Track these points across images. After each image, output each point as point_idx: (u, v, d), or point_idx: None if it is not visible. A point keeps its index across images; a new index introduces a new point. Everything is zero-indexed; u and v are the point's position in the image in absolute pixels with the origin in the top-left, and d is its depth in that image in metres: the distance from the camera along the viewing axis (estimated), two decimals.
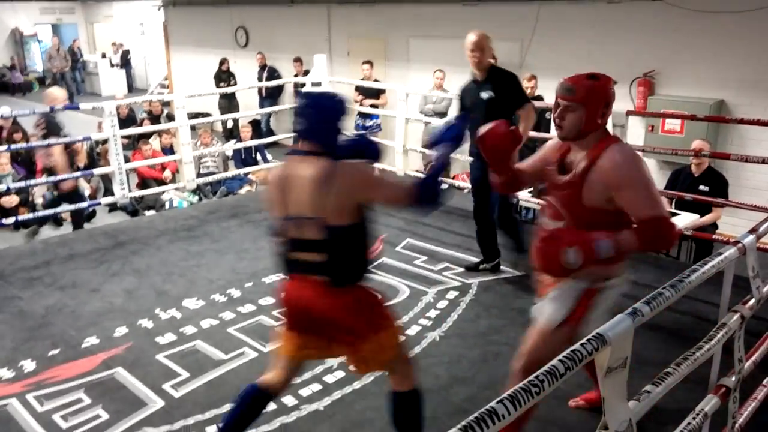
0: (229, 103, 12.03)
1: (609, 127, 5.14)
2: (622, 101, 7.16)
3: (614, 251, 2.33)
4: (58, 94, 6.60)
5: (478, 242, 4.96)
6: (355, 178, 2.40)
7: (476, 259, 4.98)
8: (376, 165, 2.77)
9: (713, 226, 5.58)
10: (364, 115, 9.26)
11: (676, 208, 5.70)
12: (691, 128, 6.77)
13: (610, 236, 2.33)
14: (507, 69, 4.56)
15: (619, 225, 2.41)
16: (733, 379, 2.63)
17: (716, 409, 2.55)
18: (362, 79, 9.11)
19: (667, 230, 2.39)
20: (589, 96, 2.43)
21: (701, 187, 5.49)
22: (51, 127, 6.18)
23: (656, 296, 2.02)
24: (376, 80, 9.25)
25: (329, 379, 3.55)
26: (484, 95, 4.42)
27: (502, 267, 4.93)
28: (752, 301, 2.71)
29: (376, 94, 9.26)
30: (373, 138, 2.86)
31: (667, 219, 2.39)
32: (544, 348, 2.54)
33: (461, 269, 4.96)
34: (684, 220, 5.33)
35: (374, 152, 2.68)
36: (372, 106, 9.05)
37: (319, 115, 2.48)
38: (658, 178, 7.17)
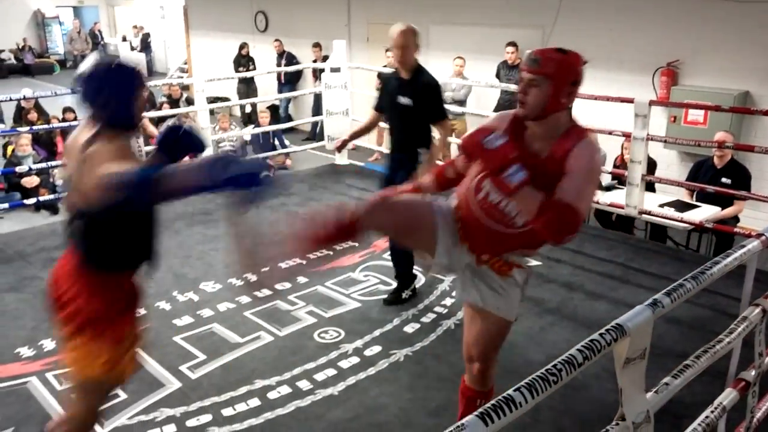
0: (247, 87, 12.03)
1: (630, 117, 5.11)
2: (645, 91, 7.07)
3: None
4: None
5: (394, 262, 4.35)
6: (97, 157, 2.06)
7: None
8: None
9: (734, 219, 5.51)
10: None
11: (697, 200, 5.64)
12: (714, 119, 6.67)
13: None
14: (432, 75, 4.05)
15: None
16: (753, 373, 2.60)
17: (734, 403, 2.52)
18: (384, 66, 9.06)
19: (567, 220, 2.10)
20: (557, 70, 2.19)
21: (723, 180, 5.42)
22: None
23: (677, 288, 2.00)
24: None
25: (344, 364, 3.56)
26: (403, 101, 3.95)
27: None
28: None
29: None
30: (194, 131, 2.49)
31: (576, 213, 2.10)
32: (499, 339, 2.53)
33: None
34: (705, 212, 5.28)
35: (195, 144, 2.46)
36: None
37: (96, 82, 2.21)
38: (680, 169, 7.09)
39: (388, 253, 4.93)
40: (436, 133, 4.10)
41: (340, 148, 4.65)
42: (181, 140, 2.42)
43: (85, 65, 2.28)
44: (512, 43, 7.98)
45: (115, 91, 2.20)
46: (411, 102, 3.94)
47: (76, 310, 2.22)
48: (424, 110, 3.97)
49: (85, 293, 2.22)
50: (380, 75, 4.12)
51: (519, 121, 2.30)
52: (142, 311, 2.47)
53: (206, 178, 1.92)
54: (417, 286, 4.44)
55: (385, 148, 4.17)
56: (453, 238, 2.44)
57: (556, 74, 2.18)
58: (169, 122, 2.51)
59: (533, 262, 4.34)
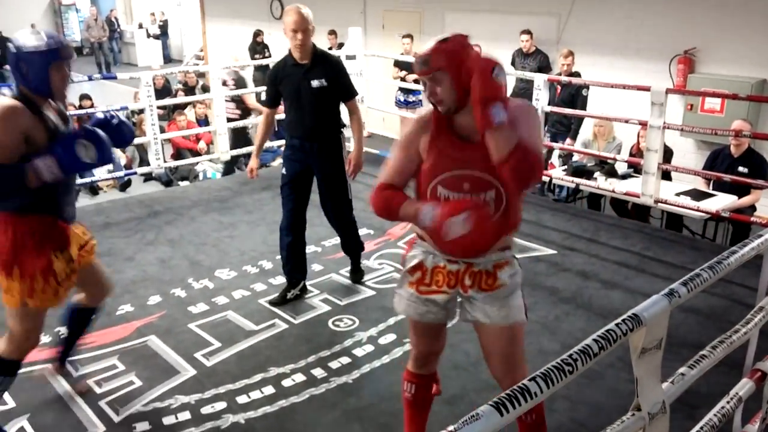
0: (263, 75, 12.01)
1: (646, 105, 5.06)
2: (662, 79, 7.00)
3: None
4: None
5: (346, 249, 4.42)
6: None
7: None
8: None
9: (751, 208, 5.46)
10: (406, 90, 9.18)
11: (713, 189, 5.59)
12: (731, 108, 6.60)
13: None
14: (330, 54, 4.04)
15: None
16: None
17: (751, 393, 2.50)
18: (402, 54, 9.03)
19: (532, 160, 2.09)
20: (448, 59, 2.13)
21: (740, 169, 5.36)
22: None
23: (694, 278, 1.99)
24: (416, 54, 9.13)
25: (358, 352, 3.57)
26: (315, 83, 3.86)
27: (532, 244, 4.89)
28: None
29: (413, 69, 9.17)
30: (123, 121, 2.88)
31: (537, 156, 2.12)
32: (521, 343, 2.38)
33: None
34: (721, 201, 5.23)
35: (122, 135, 2.83)
36: (415, 81, 8.96)
37: (11, 54, 2.57)
38: (697, 158, 7.03)
39: (404, 240, 4.95)
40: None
41: (252, 173, 4.40)
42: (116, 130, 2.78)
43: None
44: (527, 31, 7.90)
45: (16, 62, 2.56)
46: (325, 83, 3.87)
47: None
48: (336, 89, 3.95)
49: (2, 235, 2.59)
50: (278, 69, 4.05)
51: (442, 118, 2.23)
52: (69, 252, 2.76)
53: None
54: None
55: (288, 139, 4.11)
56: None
57: (449, 64, 2.13)
58: (99, 114, 2.83)
59: (548, 251, 4.28)
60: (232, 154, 7.25)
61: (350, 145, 4.12)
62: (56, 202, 2.70)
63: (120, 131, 2.83)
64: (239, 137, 7.73)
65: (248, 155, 8.70)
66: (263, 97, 4.38)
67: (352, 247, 4.40)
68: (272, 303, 4.13)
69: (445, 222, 2.07)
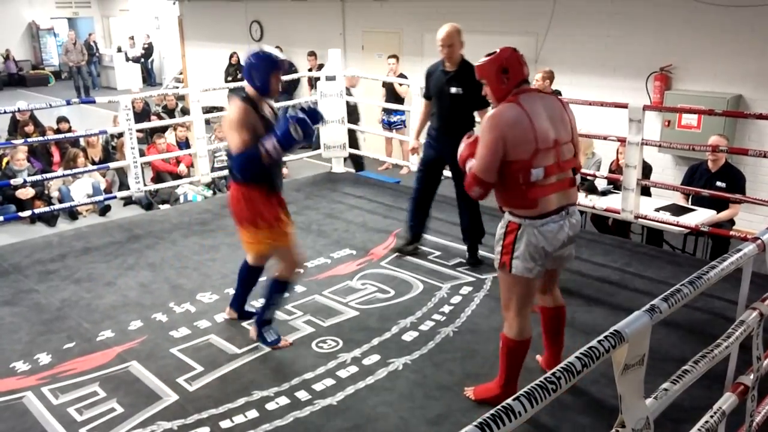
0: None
1: (624, 122, 5.12)
2: (639, 96, 7.11)
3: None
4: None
5: (473, 230, 4.93)
6: (225, 117, 3.55)
7: (489, 254, 4.96)
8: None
9: (730, 222, 5.53)
10: (388, 111, 9.25)
11: (692, 204, 5.66)
12: (708, 123, 6.70)
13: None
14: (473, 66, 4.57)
15: (503, 177, 2.89)
16: (752, 377, 2.59)
17: (734, 407, 2.52)
18: (387, 74, 9.09)
19: (466, 183, 3.00)
20: (482, 72, 3.01)
21: (718, 183, 5.44)
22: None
23: (674, 293, 2.00)
24: (401, 75, 9.18)
25: (342, 374, 3.55)
26: (453, 90, 4.59)
27: None
28: None
29: (394, 89, 9.22)
30: (315, 108, 3.60)
31: (472, 175, 2.94)
32: (501, 288, 3.07)
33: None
34: (700, 216, 5.29)
35: (316, 116, 3.53)
36: (397, 101, 9.03)
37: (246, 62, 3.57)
38: (675, 173, 7.11)
39: (387, 260, 4.96)
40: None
41: (415, 151, 5.29)
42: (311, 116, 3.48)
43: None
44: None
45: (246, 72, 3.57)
46: (461, 90, 4.56)
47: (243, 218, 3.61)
48: (472, 98, 4.49)
49: (243, 205, 3.57)
50: (430, 71, 4.89)
51: None
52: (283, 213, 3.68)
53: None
54: (416, 294, 4.45)
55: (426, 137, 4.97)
56: None
57: (485, 75, 3.01)
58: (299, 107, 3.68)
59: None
60: (213, 176, 7.23)
61: None
62: (270, 176, 3.57)
63: (315, 114, 3.52)
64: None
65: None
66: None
67: (475, 229, 4.90)
68: (393, 250, 5.14)
69: None
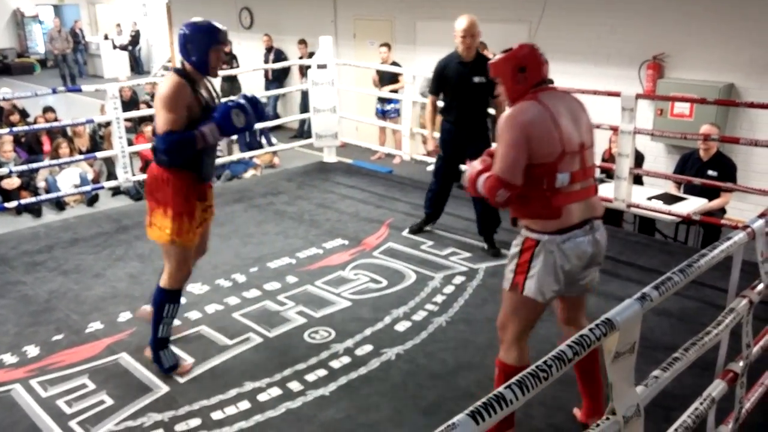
0: (231, 85, 11.95)
1: (617, 110, 5.11)
2: (632, 85, 7.09)
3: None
4: None
5: (488, 218, 4.94)
6: (156, 92, 3.22)
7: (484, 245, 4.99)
8: None
9: (721, 211, 5.54)
10: (382, 100, 9.19)
11: (684, 193, 5.66)
12: (700, 112, 6.70)
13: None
14: (488, 57, 4.74)
15: (529, 179, 2.59)
16: (741, 364, 2.60)
17: (723, 394, 2.53)
18: (381, 63, 9.03)
19: (489, 185, 2.61)
20: (497, 70, 2.76)
21: (709, 172, 5.44)
22: None
23: (665, 281, 2.00)
24: (394, 63, 9.11)
25: (335, 364, 3.54)
26: (477, 79, 4.68)
27: (506, 251, 4.89)
28: (761, 286, 2.68)
29: (392, 78, 9.15)
30: (259, 100, 3.41)
31: (496, 179, 2.58)
32: (504, 306, 2.78)
33: (468, 254, 4.94)
34: (692, 204, 5.29)
35: (260, 109, 3.35)
36: (391, 90, 8.97)
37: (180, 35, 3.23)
38: (667, 162, 7.12)
39: (379, 251, 4.95)
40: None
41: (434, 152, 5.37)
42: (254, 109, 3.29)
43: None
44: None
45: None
46: (485, 79, 4.56)
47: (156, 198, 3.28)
48: (491, 86, 4.62)
49: (161, 186, 3.25)
50: (444, 67, 4.89)
51: None
52: (204, 204, 3.44)
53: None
54: (408, 284, 4.44)
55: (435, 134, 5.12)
56: None
57: (498, 73, 2.77)
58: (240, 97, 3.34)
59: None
60: None
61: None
62: (201, 163, 3.27)
63: (257, 105, 3.33)
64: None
65: (220, 166, 8.65)
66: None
67: (491, 217, 4.93)
68: (411, 231, 5.31)
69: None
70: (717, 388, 2.52)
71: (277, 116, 11.13)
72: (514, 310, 2.71)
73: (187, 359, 3.58)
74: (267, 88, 11.55)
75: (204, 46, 3.13)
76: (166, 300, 3.38)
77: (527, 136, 2.54)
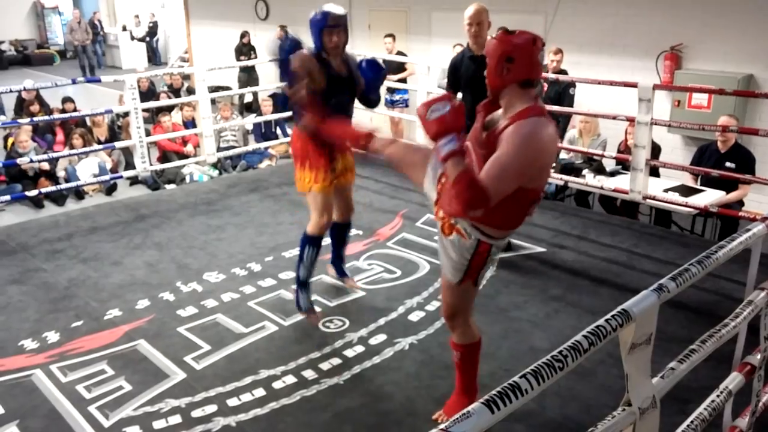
0: (248, 76, 11.99)
1: (634, 102, 5.07)
2: (649, 75, 7.03)
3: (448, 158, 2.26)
4: None
5: None
6: None
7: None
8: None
9: (739, 203, 5.49)
10: (390, 90, 9.18)
11: (701, 185, 5.62)
12: (718, 103, 6.63)
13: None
14: None
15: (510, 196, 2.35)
16: (759, 357, 2.59)
17: (740, 387, 2.51)
18: (398, 53, 9.01)
19: (470, 195, 2.24)
20: (487, 49, 2.46)
21: (727, 164, 5.39)
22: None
23: (682, 272, 1.99)
24: (399, 53, 9.10)
25: (349, 353, 3.56)
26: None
27: (521, 242, 4.89)
28: None
29: (398, 68, 9.14)
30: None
31: (480, 192, 2.24)
32: (451, 298, 2.80)
33: None
34: (709, 196, 5.25)
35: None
36: (399, 80, 8.96)
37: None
38: (684, 153, 7.06)
39: (393, 241, 4.95)
40: None
41: None
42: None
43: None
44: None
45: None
46: None
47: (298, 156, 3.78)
48: None
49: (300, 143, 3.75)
50: (455, 63, 4.64)
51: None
52: (336, 164, 3.80)
53: None
54: (422, 274, 4.45)
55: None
56: (432, 184, 2.73)
57: (489, 54, 2.43)
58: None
59: (537, 249, 4.26)
60: (219, 156, 7.22)
61: None
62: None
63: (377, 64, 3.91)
64: None
65: (236, 157, 8.69)
66: (249, 98, 4.86)
67: None
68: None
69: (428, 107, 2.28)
70: (734, 380, 2.51)
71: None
72: (464, 300, 2.81)
73: (204, 346, 3.62)
74: (282, 79, 11.55)
75: (317, 30, 3.63)
76: (307, 243, 3.81)
77: (538, 163, 2.36)
